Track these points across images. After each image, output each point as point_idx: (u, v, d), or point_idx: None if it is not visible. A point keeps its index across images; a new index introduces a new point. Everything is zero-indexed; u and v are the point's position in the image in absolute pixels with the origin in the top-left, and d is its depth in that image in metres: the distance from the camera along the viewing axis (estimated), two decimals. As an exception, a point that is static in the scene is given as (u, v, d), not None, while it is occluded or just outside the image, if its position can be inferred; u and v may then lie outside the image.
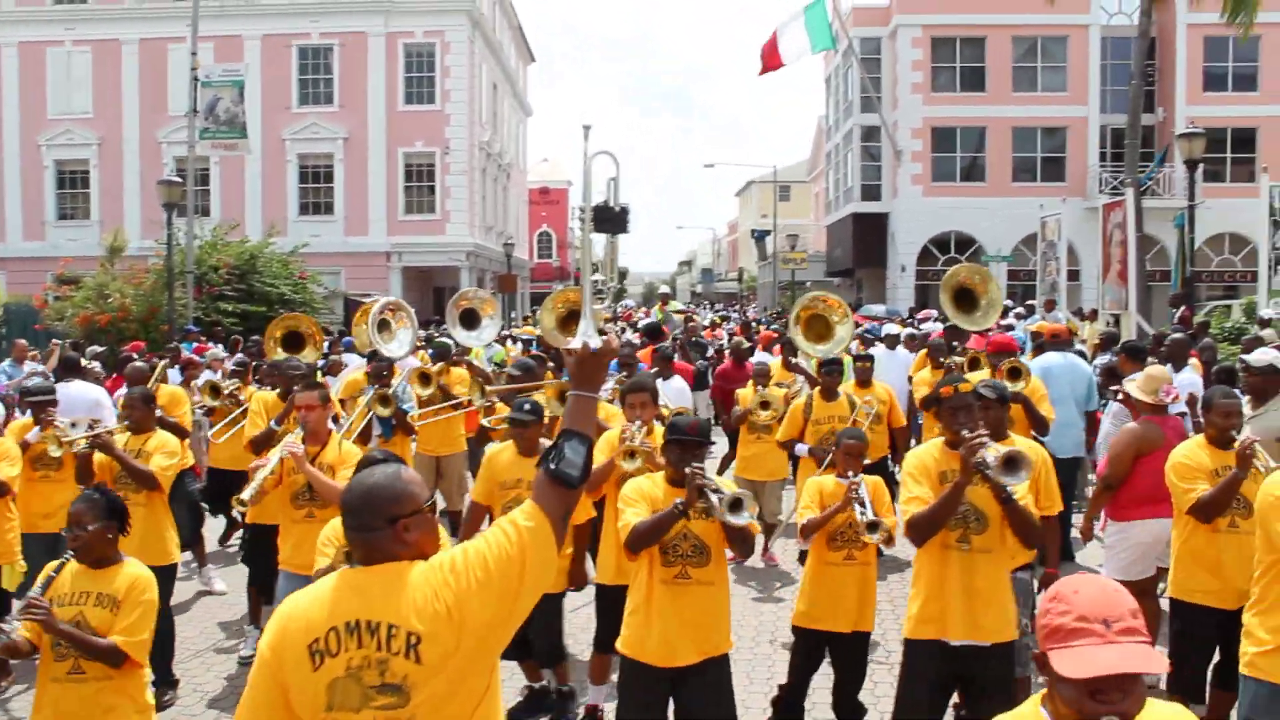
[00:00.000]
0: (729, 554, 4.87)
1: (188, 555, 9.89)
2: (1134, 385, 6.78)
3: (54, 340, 17.53)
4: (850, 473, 5.64)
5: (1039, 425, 7.88)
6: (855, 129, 40.51)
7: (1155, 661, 2.06)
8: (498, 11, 42.02)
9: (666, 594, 4.68)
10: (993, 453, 4.43)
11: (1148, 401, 6.57)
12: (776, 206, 52.46)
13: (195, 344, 16.17)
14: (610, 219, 3.26)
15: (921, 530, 4.65)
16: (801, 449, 8.82)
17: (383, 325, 10.52)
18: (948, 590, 4.68)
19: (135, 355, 11.94)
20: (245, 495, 6.05)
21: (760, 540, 9.97)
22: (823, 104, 48.96)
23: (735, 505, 4.43)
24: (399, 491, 2.66)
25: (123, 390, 10.03)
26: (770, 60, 33.04)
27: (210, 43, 29.82)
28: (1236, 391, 6.19)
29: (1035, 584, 5.77)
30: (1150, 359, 9.07)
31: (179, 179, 21.90)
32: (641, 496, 4.74)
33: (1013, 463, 4.37)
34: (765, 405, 9.27)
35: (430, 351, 11.00)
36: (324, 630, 2.52)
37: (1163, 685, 5.98)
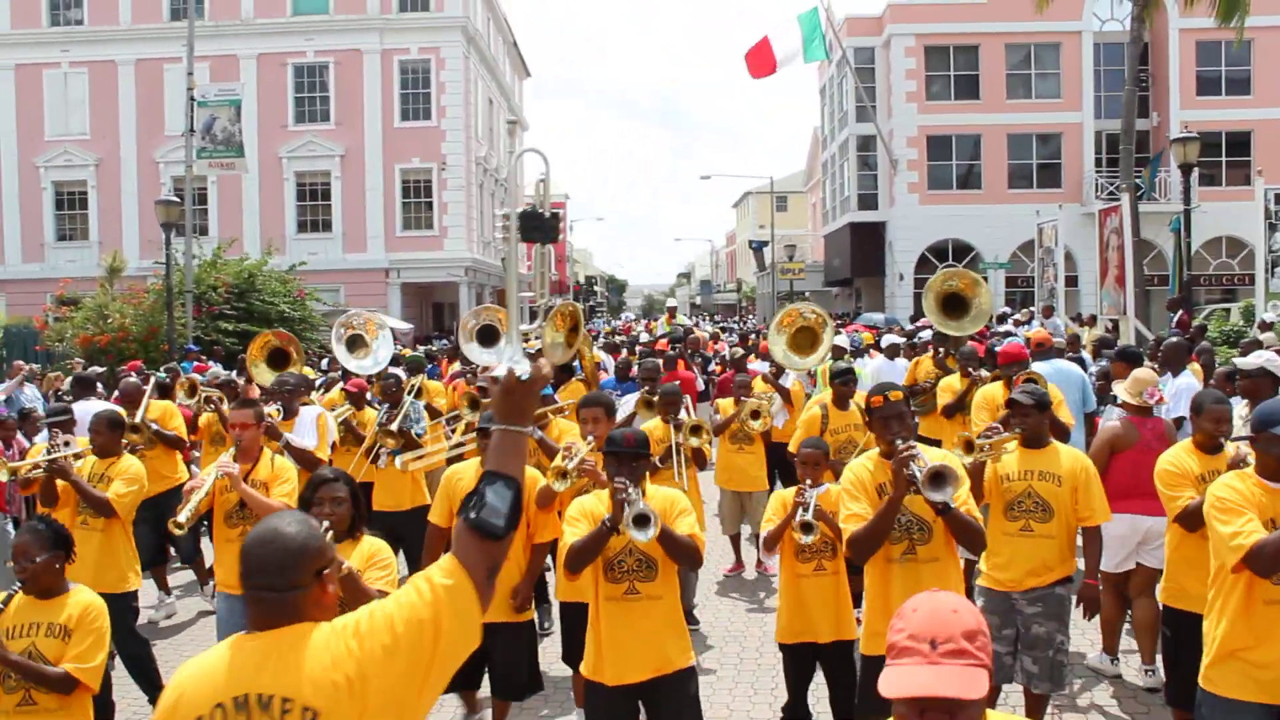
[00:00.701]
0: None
1: (189, 575, 9.91)
2: (1121, 388, 7.11)
3: (75, 360, 17.61)
4: (808, 481, 5.59)
5: (1059, 433, 7.82)
6: (851, 139, 40.61)
7: (974, 686, 2.01)
8: (492, 27, 42.13)
9: (616, 611, 4.60)
10: (919, 464, 4.35)
11: (1133, 403, 6.89)
12: (774, 217, 52.50)
13: (195, 363, 16.19)
14: (539, 226, 2.86)
15: (861, 547, 4.59)
16: None
17: (357, 342, 10.43)
18: (896, 605, 4.58)
19: (133, 375, 11.95)
20: (181, 518, 5.88)
21: (754, 552, 9.99)
22: (818, 114, 49.11)
23: (640, 521, 4.32)
24: (321, 541, 2.42)
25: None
26: (761, 65, 33.01)
27: (206, 63, 29.96)
28: (1232, 399, 6.21)
29: (1073, 599, 5.59)
30: (1149, 364, 9.13)
31: (177, 199, 21.95)
32: (584, 515, 4.65)
33: (939, 478, 4.29)
34: (756, 415, 9.18)
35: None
36: (209, 707, 2.25)
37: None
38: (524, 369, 2.44)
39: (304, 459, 7.64)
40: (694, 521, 4.70)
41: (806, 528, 5.25)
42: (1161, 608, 5.54)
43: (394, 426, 8.75)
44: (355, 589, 4.30)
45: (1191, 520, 5.07)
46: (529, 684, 5.89)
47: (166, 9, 35.21)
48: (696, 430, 7.66)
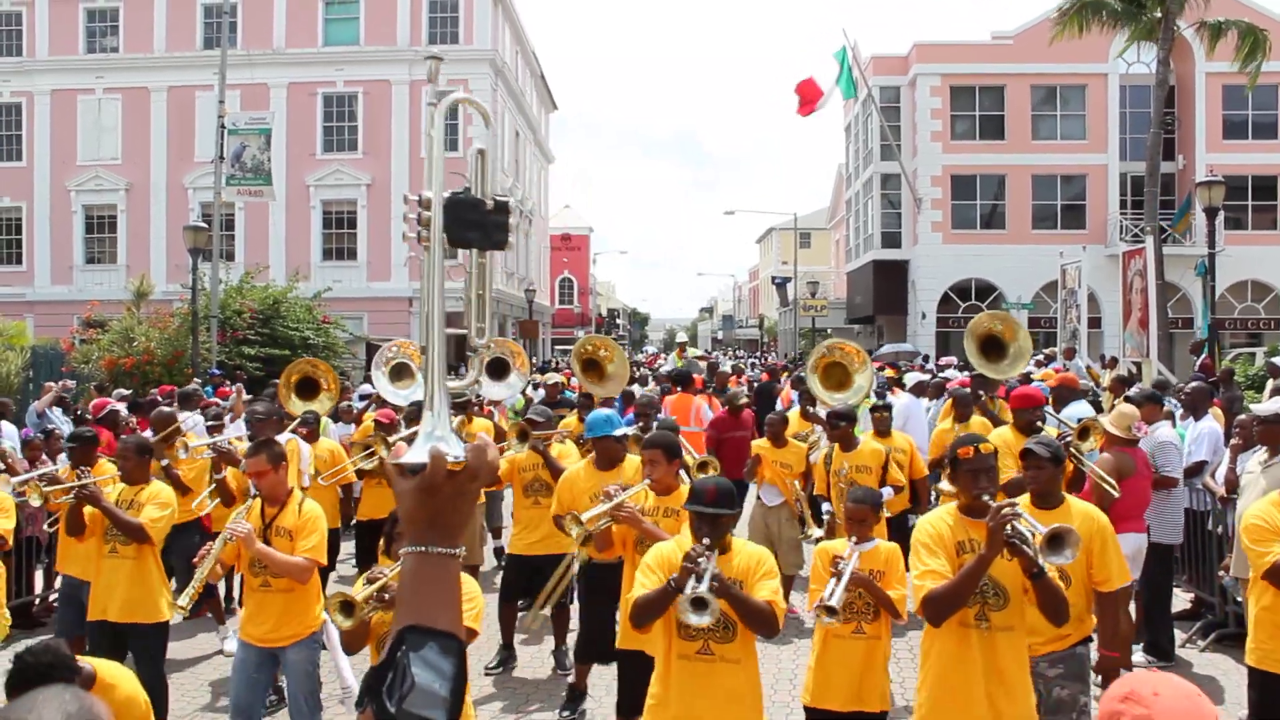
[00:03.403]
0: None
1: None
2: (1108, 420, 7.50)
3: (116, 389, 17.71)
4: (853, 539, 5.16)
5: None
6: (875, 177, 40.69)
7: None
8: (520, 60, 42.52)
9: (687, 671, 4.32)
10: (1025, 525, 3.96)
11: (1120, 435, 7.26)
12: (797, 253, 52.59)
13: (218, 387, 16.28)
14: (475, 223, 1.72)
15: (941, 607, 4.16)
16: (826, 507, 8.39)
17: (402, 370, 10.37)
18: (964, 673, 4.24)
19: (161, 398, 12.03)
20: (182, 600, 5.63)
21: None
22: (843, 152, 49.26)
23: (698, 605, 4.00)
24: None
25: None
26: (807, 102, 33.62)
27: (237, 90, 30.32)
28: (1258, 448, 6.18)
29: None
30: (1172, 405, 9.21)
31: (205, 224, 22.17)
32: (660, 566, 4.39)
33: (1058, 540, 3.83)
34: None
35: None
36: None
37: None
38: (457, 452, 1.57)
39: (228, 459, 7.57)
40: (777, 586, 4.40)
41: (829, 611, 4.72)
42: (1249, 669, 5.27)
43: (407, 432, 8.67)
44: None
45: None
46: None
47: (200, 37, 35.74)
48: (704, 467, 7.33)
